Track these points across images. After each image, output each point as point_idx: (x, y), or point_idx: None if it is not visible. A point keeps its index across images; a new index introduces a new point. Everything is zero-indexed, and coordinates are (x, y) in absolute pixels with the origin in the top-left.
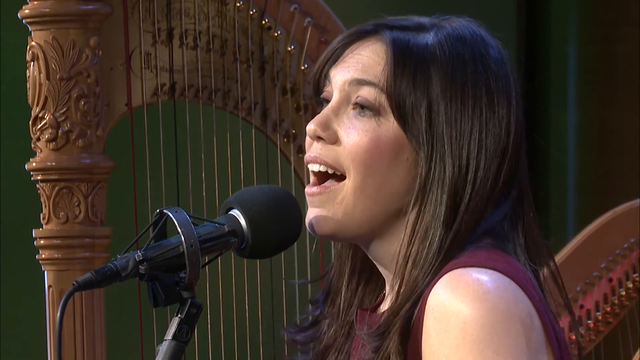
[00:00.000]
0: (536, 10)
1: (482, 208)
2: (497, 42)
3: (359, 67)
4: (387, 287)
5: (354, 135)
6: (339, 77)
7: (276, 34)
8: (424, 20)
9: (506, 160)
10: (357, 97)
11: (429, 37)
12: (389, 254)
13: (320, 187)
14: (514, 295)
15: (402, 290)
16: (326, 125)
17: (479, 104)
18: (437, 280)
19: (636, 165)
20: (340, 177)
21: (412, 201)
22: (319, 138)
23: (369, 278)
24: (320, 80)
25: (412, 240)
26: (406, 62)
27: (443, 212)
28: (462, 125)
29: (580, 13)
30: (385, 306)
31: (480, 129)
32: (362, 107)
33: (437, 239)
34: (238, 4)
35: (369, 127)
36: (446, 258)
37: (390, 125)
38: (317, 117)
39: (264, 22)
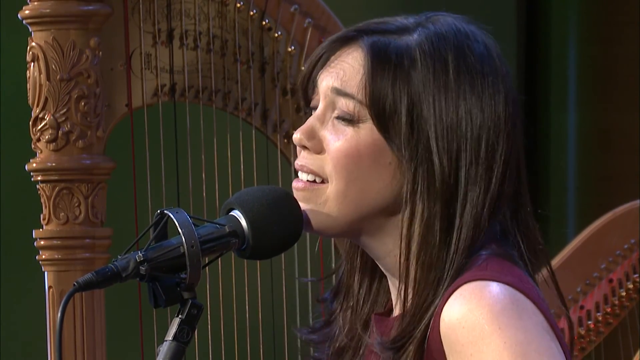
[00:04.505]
0: (536, 10)
1: (478, 204)
2: (485, 37)
3: (340, 75)
4: (390, 284)
5: (335, 141)
6: (325, 82)
7: (276, 35)
8: (409, 21)
9: (498, 155)
10: (337, 106)
11: (411, 39)
12: (383, 250)
13: (306, 183)
14: (531, 308)
15: (412, 295)
16: (311, 135)
17: (463, 103)
18: (452, 292)
19: (636, 166)
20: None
21: (402, 202)
22: (304, 147)
23: (382, 274)
24: (309, 86)
25: (410, 240)
26: (384, 69)
27: (439, 212)
28: (447, 124)
29: (580, 13)
30: (396, 310)
31: (466, 128)
32: (343, 117)
33: (438, 239)
34: (238, 5)
35: (349, 133)
36: (458, 265)
37: (369, 131)
38: (303, 126)
39: (264, 22)
